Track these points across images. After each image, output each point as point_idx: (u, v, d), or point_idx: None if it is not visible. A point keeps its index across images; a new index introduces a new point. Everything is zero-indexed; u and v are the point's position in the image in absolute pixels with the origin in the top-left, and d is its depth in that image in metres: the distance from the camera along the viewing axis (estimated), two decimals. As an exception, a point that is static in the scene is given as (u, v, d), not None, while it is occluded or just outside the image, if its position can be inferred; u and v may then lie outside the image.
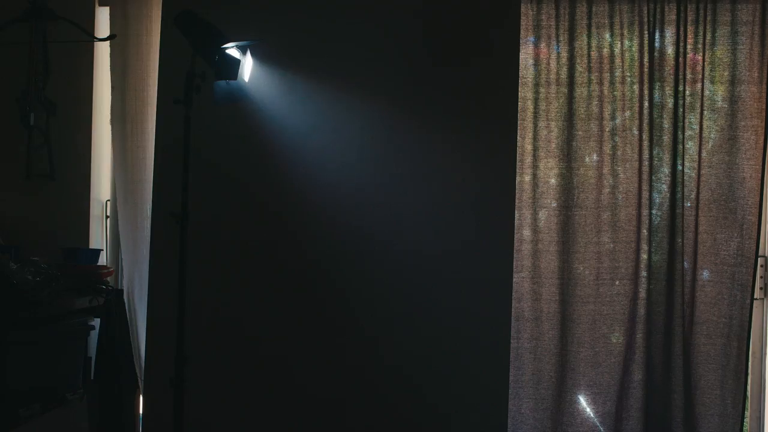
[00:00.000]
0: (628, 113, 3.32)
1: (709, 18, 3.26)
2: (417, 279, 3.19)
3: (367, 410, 3.20)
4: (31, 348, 2.88)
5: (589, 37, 3.32)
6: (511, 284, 3.24)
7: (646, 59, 3.29)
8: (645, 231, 3.30)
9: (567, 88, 3.32)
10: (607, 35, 3.33)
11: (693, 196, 3.28)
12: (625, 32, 3.31)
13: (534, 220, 3.35)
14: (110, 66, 3.52)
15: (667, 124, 3.30)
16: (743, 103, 3.26)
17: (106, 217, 3.69)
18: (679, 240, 3.28)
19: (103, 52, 3.57)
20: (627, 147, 3.31)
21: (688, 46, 3.28)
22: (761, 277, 3.34)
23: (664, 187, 3.31)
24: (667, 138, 3.30)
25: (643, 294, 3.29)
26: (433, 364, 3.20)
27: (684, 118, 3.29)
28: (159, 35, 3.33)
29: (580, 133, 3.33)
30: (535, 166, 3.34)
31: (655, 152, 3.31)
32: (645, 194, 3.29)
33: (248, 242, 3.21)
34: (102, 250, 3.59)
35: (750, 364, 3.29)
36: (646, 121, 3.29)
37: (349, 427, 3.22)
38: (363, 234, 3.19)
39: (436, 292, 3.19)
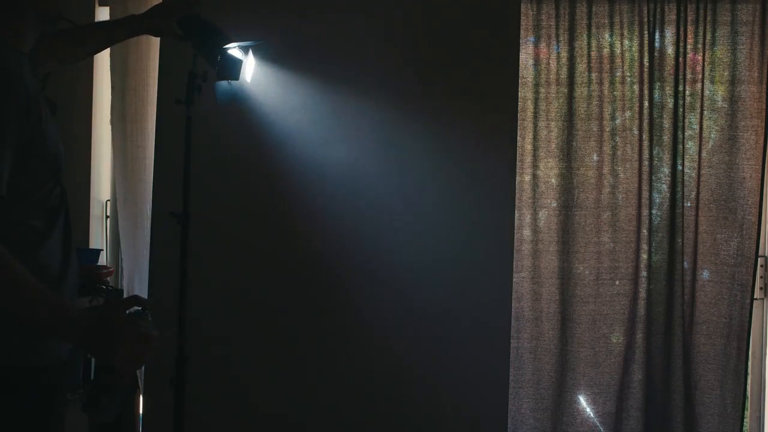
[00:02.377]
0: (628, 113, 3.32)
1: (709, 18, 3.26)
2: (417, 279, 3.19)
3: (367, 410, 3.20)
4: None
5: (589, 37, 3.32)
6: (511, 284, 3.24)
7: (646, 59, 3.29)
8: (645, 231, 3.30)
9: (567, 88, 3.32)
10: (607, 35, 3.33)
11: (693, 196, 3.28)
12: (625, 32, 3.31)
13: (534, 220, 3.35)
14: (110, 66, 3.52)
15: (667, 124, 3.30)
16: (743, 103, 3.26)
17: (106, 217, 3.69)
18: (679, 240, 3.28)
19: (103, 53, 3.56)
20: (627, 147, 3.31)
21: (688, 46, 3.29)
22: (761, 277, 3.34)
23: (664, 187, 3.31)
24: (667, 138, 3.30)
25: (643, 294, 3.29)
26: (432, 364, 3.20)
27: (684, 118, 3.29)
28: (159, 35, 3.33)
29: (580, 133, 3.33)
30: (535, 166, 3.34)
31: (655, 152, 3.31)
32: (645, 194, 3.29)
33: (249, 242, 3.22)
34: (102, 250, 3.60)
35: (750, 364, 3.29)
36: (646, 121, 3.29)
37: (348, 427, 3.22)
38: (363, 233, 3.19)
39: (435, 292, 3.19)
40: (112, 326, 1.58)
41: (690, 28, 3.27)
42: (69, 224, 1.80)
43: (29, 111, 1.61)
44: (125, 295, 3.45)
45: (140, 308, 1.67)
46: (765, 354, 3.39)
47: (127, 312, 1.63)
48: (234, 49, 2.43)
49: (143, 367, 3.34)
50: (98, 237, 3.65)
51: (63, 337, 1.68)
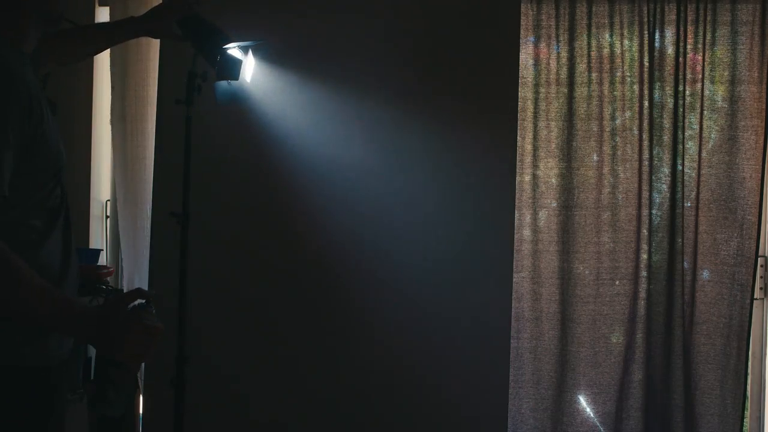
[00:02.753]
0: (628, 113, 3.32)
1: (709, 18, 3.26)
2: (417, 279, 3.19)
3: (367, 410, 3.20)
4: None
5: (589, 37, 3.32)
6: (511, 284, 3.24)
7: (646, 59, 3.29)
8: (645, 231, 3.30)
9: (567, 88, 3.32)
10: (607, 35, 3.33)
11: (693, 196, 3.28)
12: (625, 32, 3.31)
13: (534, 220, 3.35)
14: (110, 66, 3.52)
15: (667, 124, 3.30)
16: (743, 103, 3.26)
17: (106, 217, 3.69)
18: (679, 240, 3.28)
19: (103, 53, 3.56)
20: (627, 147, 3.31)
21: (688, 46, 3.29)
22: (761, 277, 3.34)
23: (664, 187, 3.31)
24: (667, 138, 3.30)
25: (643, 294, 3.29)
26: (432, 364, 3.20)
27: (684, 118, 3.29)
28: (159, 35, 3.33)
29: (580, 133, 3.33)
30: (535, 166, 3.34)
31: (655, 152, 3.31)
32: (645, 194, 3.29)
33: (249, 242, 3.21)
34: (102, 250, 3.59)
35: (750, 364, 3.29)
36: (646, 121, 3.29)
37: (348, 427, 3.22)
38: (362, 233, 3.19)
39: (436, 292, 3.19)
40: (117, 320, 1.58)
41: (690, 28, 3.27)
42: (69, 224, 1.80)
43: (31, 111, 1.61)
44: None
45: (144, 301, 1.67)
46: (765, 354, 3.39)
47: (131, 305, 1.63)
48: (234, 49, 2.44)
49: (143, 367, 3.34)
50: (98, 237, 3.65)
51: (68, 333, 1.68)
